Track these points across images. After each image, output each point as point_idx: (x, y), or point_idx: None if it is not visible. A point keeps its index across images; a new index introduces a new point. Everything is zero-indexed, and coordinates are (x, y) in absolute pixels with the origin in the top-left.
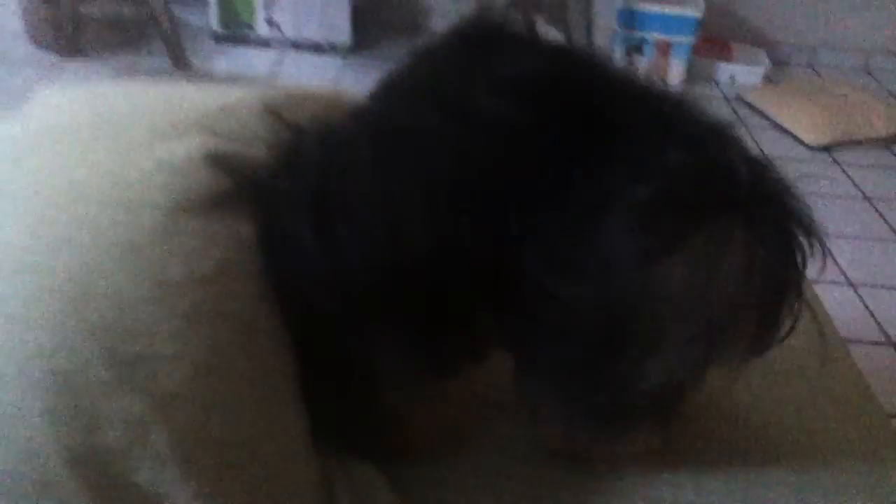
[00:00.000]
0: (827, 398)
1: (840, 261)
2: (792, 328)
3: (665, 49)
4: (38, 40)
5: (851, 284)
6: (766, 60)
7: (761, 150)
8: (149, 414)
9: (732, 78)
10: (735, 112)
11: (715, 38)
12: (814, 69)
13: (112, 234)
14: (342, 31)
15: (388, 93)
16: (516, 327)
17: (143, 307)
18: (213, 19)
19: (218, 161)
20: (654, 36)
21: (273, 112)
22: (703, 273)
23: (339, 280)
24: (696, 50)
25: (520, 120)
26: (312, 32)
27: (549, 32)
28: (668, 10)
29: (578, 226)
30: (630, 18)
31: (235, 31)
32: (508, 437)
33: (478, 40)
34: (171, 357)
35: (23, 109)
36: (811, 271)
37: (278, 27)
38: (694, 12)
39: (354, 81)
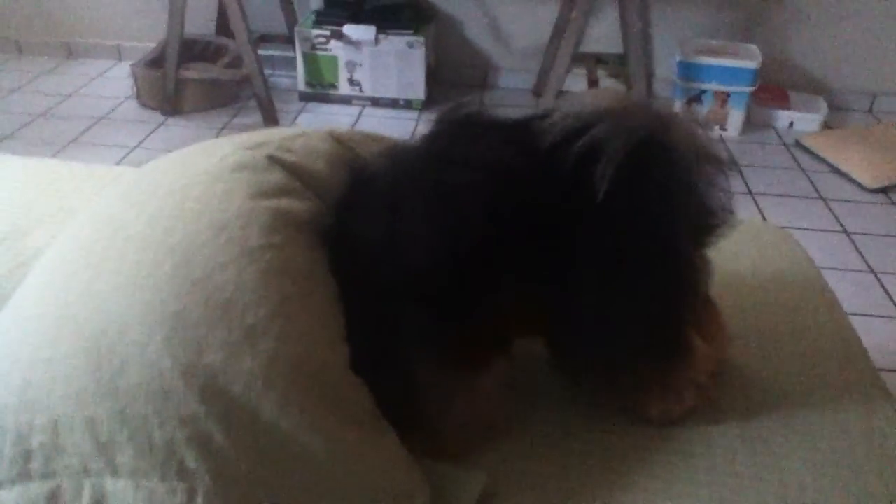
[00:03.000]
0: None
1: (895, 296)
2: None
3: (724, 99)
4: (143, 101)
5: None
6: (825, 107)
7: (818, 191)
8: (239, 342)
9: (791, 124)
10: (793, 156)
11: (773, 87)
12: (873, 114)
13: (208, 217)
14: (417, 89)
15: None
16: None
17: (231, 267)
18: (300, 80)
19: (281, 163)
20: (713, 87)
21: (338, 139)
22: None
23: (398, 273)
24: (754, 98)
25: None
26: (390, 90)
27: (611, 85)
28: (726, 61)
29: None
30: (689, 70)
31: (320, 91)
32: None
33: (458, 125)
34: (253, 301)
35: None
36: (864, 305)
37: (359, 86)
38: (751, 63)
39: None
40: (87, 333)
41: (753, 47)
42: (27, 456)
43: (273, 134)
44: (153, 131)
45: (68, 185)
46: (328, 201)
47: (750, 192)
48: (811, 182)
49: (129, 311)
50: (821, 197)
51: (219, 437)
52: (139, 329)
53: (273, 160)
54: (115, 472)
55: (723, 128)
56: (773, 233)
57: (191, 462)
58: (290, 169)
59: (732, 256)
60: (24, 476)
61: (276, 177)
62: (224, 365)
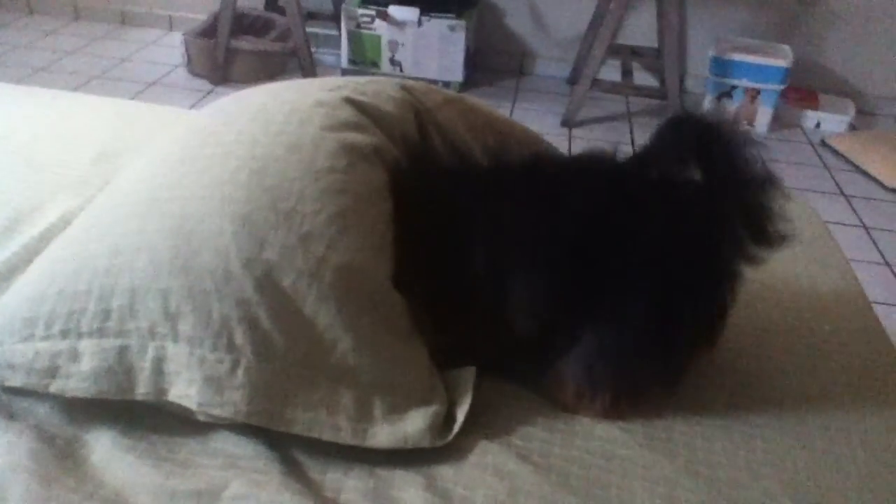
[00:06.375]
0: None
1: None
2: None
3: (754, 96)
4: (194, 70)
5: None
6: (852, 110)
7: (840, 189)
8: (294, 244)
9: (818, 124)
10: (818, 155)
11: (803, 89)
12: None
13: (285, 138)
14: (456, 72)
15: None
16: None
17: (298, 182)
18: (343, 57)
19: (354, 103)
20: (744, 83)
21: (405, 87)
22: None
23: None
24: (784, 97)
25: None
26: (430, 71)
27: (646, 80)
28: (758, 59)
29: None
30: (722, 67)
31: (362, 68)
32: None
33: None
34: (311, 212)
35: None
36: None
37: (400, 66)
38: (782, 62)
39: None
40: (173, 215)
41: (786, 47)
42: (106, 315)
43: (349, 80)
44: (203, 98)
45: (146, 121)
46: (394, 136)
47: None
48: (834, 180)
49: (210, 204)
50: (842, 193)
51: (265, 322)
52: (215, 220)
53: (347, 100)
54: (175, 338)
55: (751, 124)
56: (796, 206)
57: (238, 338)
58: (361, 108)
59: None
60: (101, 332)
61: (347, 114)
62: (279, 261)
